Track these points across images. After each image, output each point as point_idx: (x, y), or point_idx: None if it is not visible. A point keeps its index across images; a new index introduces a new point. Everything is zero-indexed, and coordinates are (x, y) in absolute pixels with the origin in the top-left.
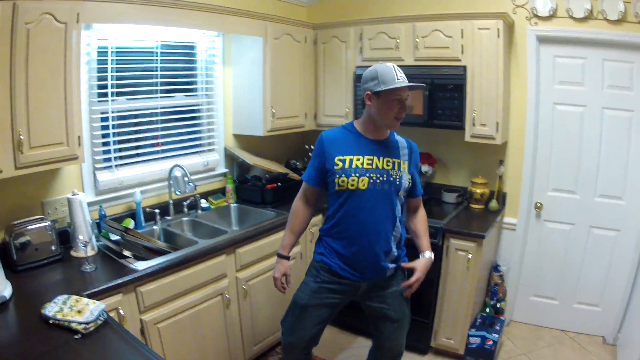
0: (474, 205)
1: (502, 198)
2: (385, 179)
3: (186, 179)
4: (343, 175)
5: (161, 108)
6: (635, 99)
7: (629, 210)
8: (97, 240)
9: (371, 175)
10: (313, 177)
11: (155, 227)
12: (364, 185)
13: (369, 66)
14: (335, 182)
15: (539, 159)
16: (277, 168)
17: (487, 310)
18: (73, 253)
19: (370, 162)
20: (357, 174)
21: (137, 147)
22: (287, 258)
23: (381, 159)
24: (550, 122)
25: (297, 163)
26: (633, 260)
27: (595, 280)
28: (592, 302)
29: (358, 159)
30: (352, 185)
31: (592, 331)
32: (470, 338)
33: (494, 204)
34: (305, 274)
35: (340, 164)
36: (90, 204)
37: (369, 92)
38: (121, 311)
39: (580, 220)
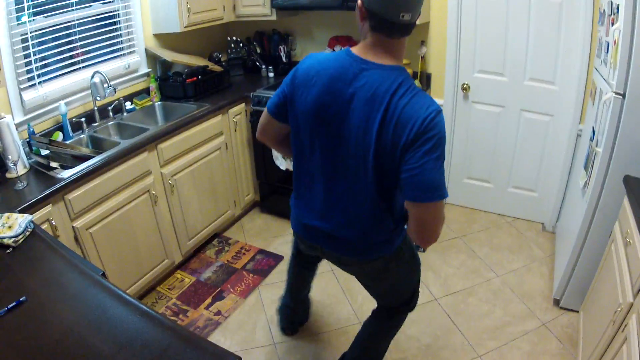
0: None
1: (425, 78)
2: None
3: (105, 84)
4: None
5: (78, 19)
6: None
7: (561, 95)
8: (29, 158)
9: None
10: None
11: (82, 136)
12: None
13: None
14: None
15: (464, 40)
16: (197, 62)
17: None
18: (8, 175)
19: None
20: None
21: (59, 61)
22: None
23: None
24: (474, 2)
25: (220, 55)
26: (568, 147)
27: (529, 165)
28: (528, 187)
29: None
30: None
31: (531, 217)
32: None
33: (417, 84)
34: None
35: None
36: (20, 124)
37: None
38: (53, 221)
39: (510, 103)
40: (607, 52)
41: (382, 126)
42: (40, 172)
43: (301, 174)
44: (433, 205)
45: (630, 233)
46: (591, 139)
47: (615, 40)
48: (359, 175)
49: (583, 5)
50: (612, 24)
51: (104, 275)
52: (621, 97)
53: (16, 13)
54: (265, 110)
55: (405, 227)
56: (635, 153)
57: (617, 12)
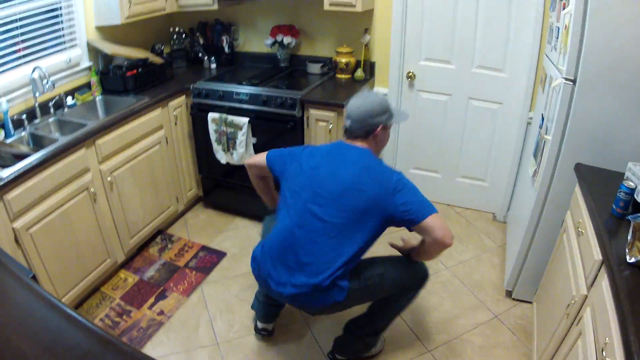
0: (339, 75)
1: (369, 67)
2: None
3: (44, 80)
4: None
5: (21, 13)
6: None
7: (511, 83)
8: None
9: None
10: None
11: (23, 134)
12: None
13: None
14: None
15: (410, 27)
16: (138, 54)
17: None
18: None
19: None
20: None
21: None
22: None
23: None
24: None
25: (163, 47)
26: (518, 136)
27: (478, 154)
28: (477, 177)
29: None
30: None
31: (481, 207)
32: None
33: (359, 73)
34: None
35: None
36: None
37: (382, 125)
38: None
39: (457, 91)
40: (558, 37)
41: None
42: None
43: None
44: None
45: (582, 223)
46: (540, 127)
47: (565, 25)
48: None
49: None
50: (563, 9)
51: (34, 277)
52: (571, 83)
53: None
54: None
55: None
56: (586, 140)
57: None
